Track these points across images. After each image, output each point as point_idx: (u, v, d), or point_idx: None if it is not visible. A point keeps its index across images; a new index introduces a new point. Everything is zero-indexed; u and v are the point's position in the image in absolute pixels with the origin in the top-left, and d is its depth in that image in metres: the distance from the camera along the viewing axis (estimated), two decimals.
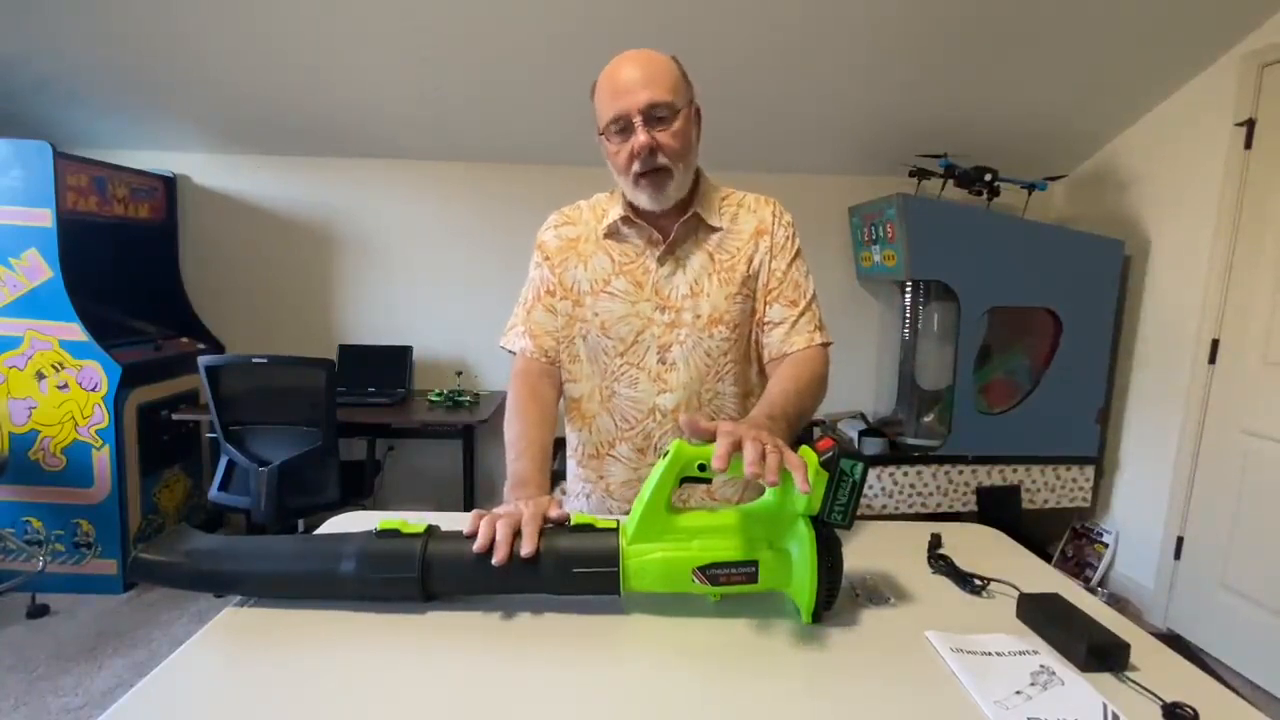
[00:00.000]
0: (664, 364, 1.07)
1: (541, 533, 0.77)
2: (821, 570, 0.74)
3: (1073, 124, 2.84)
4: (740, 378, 1.11)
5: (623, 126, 0.98)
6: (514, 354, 1.16)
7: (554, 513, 0.80)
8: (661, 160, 0.99)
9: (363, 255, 3.22)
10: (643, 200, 1.03)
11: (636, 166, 0.99)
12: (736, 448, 0.70)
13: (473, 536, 0.76)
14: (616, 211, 1.09)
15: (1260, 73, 2.27)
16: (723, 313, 1.07)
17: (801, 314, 1.09)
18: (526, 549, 0.75)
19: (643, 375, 1.08)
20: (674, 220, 1.07)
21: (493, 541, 0.75)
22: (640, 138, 0.97)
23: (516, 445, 1.02)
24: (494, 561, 0.74)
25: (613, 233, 1.10)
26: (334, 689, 0.65)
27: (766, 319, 1.10)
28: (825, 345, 1.10)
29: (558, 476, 1.37)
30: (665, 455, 0.77)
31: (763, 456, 0.69)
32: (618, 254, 1.09)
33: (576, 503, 1.20)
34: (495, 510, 0.81)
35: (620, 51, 1.02)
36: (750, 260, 1.09)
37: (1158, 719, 0.62)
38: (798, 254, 1.12)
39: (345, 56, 2.48)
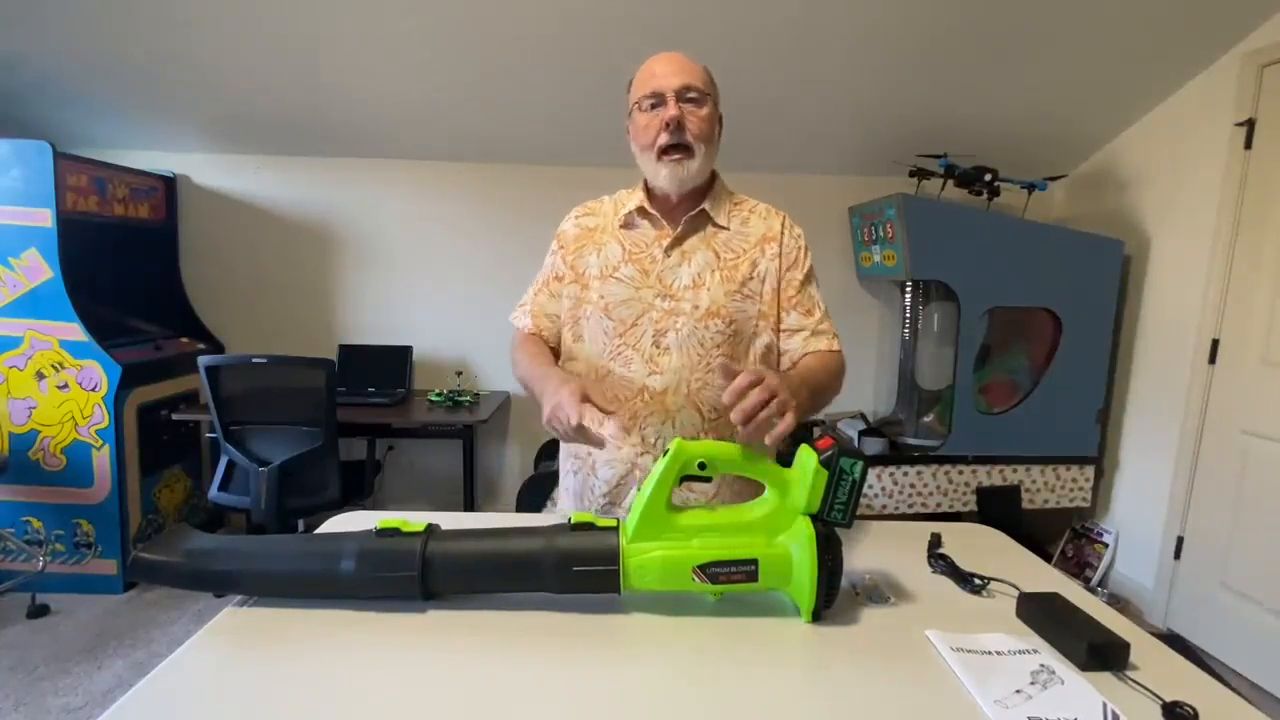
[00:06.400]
0: (658, 348, 1.12)
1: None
2: (821, 570, 0.74)
3: (1073, 124, 2.83)
4: (731, 373, 1.12)
5: (656, 101, 1.08)
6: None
7: (596, 398, 0.91)
8: (688, 137, 1.07)
9: (363, 255, 3.22)
10: (662, 177, 1.10)
11: (663, 139, 1.07)
12: (754, 386, 0.83)
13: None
14: (634, 202, 1.16)
15: (1260, 73, 2.26)
16: (720, 307, 1.11)
17: (820, 322, 1.18)
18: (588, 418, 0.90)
19: (636, 356, 1.12)
20: (685, 214, 1.14)
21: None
22: (671, 110, 1.06)
23: (531, 364, 1.12)
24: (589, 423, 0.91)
25: (628, 223, 1.17)
26: (334, 689, 0.65)
27: (785, 326, 1.17)
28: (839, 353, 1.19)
29: (553, 477, 1.38)
30: (666, 454, 0.77)
31: (754, 412, 0.81)
32: (629, 243, 1.16)
33: (565, 481, 1.23)
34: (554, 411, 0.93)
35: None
36: (754, 264, 1.14)
37: (1158, 718, 0.62)
38: (812, 270, 1.19)
39: (345, 56, 2.47)
